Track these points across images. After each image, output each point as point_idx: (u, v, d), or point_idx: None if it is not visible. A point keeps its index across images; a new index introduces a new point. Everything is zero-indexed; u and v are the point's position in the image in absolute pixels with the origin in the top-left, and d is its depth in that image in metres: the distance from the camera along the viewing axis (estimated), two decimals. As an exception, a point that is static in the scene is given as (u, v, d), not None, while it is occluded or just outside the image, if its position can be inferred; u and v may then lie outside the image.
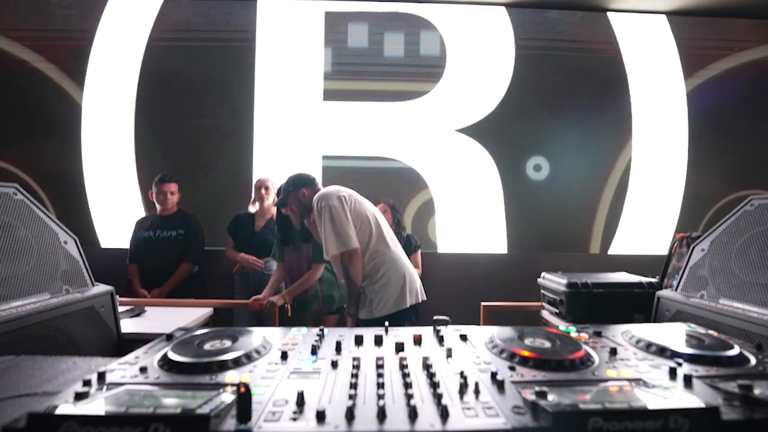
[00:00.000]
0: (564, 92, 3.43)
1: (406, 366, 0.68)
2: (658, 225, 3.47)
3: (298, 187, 2.05)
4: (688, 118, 3.47)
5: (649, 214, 3.48)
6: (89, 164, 3.28)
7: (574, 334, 0.88)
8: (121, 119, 3.29)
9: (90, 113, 3.28)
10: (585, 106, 3.44)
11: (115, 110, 3.29)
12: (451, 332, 0.89)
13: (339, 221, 1.82)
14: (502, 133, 3.39)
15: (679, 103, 3.47)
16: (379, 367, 0.68)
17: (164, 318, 1.85)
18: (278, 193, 2.27)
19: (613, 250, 3.46)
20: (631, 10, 3.44)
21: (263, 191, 2.78)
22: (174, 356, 0.70)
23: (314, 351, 0.76)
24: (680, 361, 0.70)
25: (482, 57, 3.41)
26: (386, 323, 0.94)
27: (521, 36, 3.42)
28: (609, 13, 3.46)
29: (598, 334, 0.88)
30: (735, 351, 0.74)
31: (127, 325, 1.65)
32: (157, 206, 2.78)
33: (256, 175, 3.21)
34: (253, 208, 2.88)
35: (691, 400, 0.51)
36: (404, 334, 0.88)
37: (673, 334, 0.85)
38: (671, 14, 3.47)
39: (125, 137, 3.29)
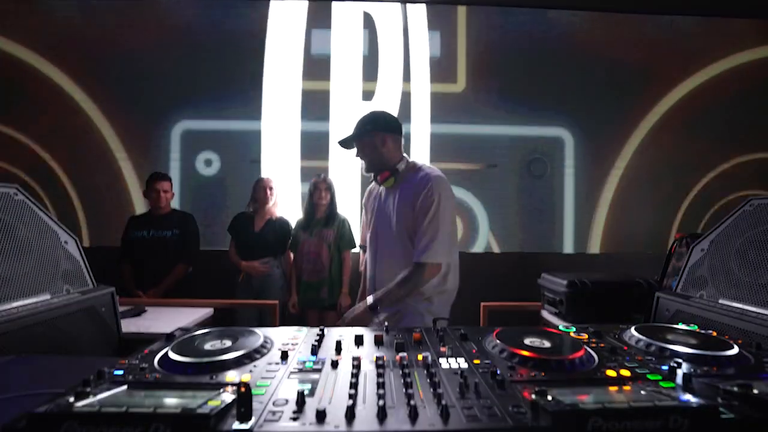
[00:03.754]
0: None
1: (406, 366, 0.68)
2: (658, 225, 3.47)
3: (382, 128, 1.47)
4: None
5: (648, 213, 3.48)
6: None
7: (574, 334, 0.88)
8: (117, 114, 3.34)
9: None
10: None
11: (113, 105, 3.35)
12: (451, 332, 0.89)
13: (449, 226, 1.38)
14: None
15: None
16: (379, 367, 0.68)
17: (164, 318, 1.85)
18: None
19: (612, 250, 3.46)
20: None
21: (268, 191, 2.76)
22: (174, 356, 0.70)
23: (314, 351, 0.76)
24: (680, 361, 0.70)
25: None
26: (386, 323, 0.94)
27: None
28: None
29: (598, 334, 0.88)
30: (735, 351, 0.74)
31: (128, 325, 1.65)
32: (151, 205, 2.74)
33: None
34: (252, 209, 2.87)
35: (691, 400, 0.51)
36: (404, 334, 0.88)
37: (673, 334, 0.85)
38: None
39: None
